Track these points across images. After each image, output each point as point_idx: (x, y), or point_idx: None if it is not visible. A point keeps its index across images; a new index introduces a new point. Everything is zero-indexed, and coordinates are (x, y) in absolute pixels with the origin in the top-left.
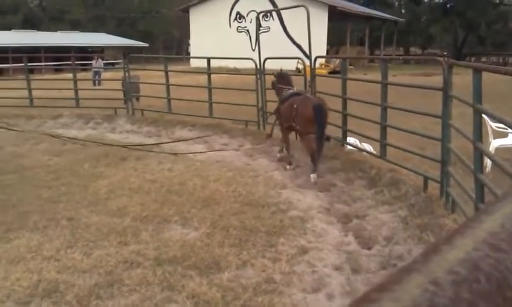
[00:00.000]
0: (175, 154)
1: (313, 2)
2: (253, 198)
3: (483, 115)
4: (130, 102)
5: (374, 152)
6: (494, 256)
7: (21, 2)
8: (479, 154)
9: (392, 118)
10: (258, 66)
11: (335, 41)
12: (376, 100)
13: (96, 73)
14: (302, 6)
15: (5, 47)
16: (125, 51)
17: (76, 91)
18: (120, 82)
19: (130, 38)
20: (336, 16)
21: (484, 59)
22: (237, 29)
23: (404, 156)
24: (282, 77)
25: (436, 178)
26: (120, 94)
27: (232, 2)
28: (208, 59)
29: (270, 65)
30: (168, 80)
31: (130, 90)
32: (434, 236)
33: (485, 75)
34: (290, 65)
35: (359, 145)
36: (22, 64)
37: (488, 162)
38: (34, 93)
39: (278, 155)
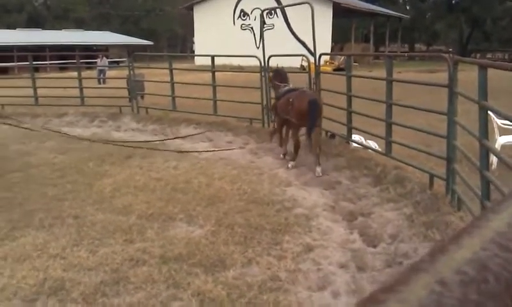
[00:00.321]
0: (180, 152)
1: None
2: (258, 196)
3: (489, 112)
4: (135, 100)
5: (379, 149)
6: (503, 256)
7: (26, 0)
8: (485, 151)
9: (397, 115)
10: (263, 64)
11: (339, 38)
12: (381, 97)
13: (101, 71)
14: (306, 2)
15: (10, 46)
16: (130, 49)
17: (81, 89)
18: (124, 81)
19: (134, 36)
20: (340, 13)
21: (489, 55)
22: (241, 26)
23: (409, 153)
24: (279, 74)
25: (442, 176)
26: (125, 93)
27: (236, 0)
28: (213, 57)
29: (274, 62)
30: (172, 78)
31: (135, 88)
32: (440, 234)
33: (491, 72)
34: (294, 62)
35: (364, 142)
36: (27, 63)
37: (493, 160)
38: (39, 91)
39: (281, 155)
